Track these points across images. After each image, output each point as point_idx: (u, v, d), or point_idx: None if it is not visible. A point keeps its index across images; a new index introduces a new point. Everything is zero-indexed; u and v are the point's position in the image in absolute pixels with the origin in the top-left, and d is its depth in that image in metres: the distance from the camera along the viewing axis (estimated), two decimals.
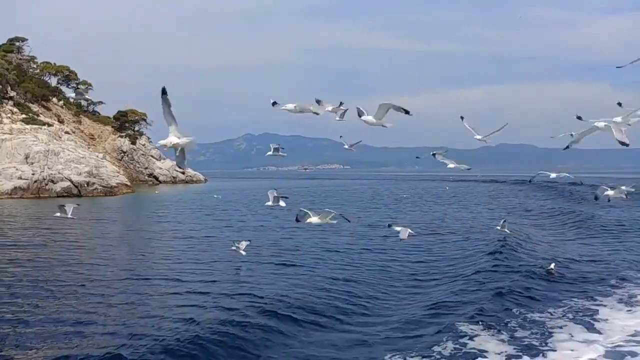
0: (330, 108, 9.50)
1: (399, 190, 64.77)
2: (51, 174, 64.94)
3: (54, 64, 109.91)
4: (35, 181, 63.50)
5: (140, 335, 11.03)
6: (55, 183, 64.64)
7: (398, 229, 14.99)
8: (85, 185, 65.73)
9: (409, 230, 14.82)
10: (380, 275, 17.28)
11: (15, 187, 61.76)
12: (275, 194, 13.66)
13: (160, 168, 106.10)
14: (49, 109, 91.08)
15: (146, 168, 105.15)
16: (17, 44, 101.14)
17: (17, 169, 64.77)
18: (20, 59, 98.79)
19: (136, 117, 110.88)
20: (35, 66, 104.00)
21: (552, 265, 16.89)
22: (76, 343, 10.91)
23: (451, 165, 13.58)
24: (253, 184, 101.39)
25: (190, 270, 18.26)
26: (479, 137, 10.80)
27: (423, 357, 10.26)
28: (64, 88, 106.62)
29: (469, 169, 14.18)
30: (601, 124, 8.77)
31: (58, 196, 62.32)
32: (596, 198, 12.85)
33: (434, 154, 13.83)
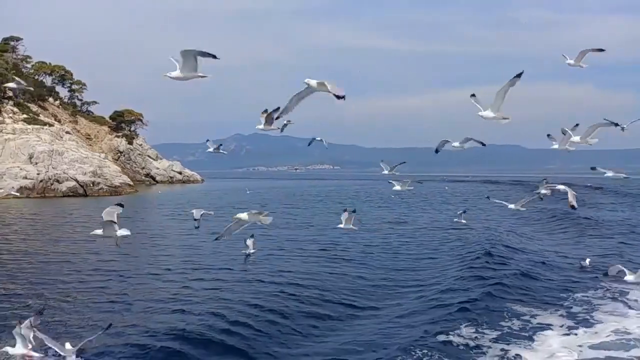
0: (262, 126, 8.70)
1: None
2: (56, 173, 65.94)
3: (49, 63, 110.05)
4: (41, 181, 64.46)
5: (218, 315, 12.68)
6: (60, 183, 65.63)
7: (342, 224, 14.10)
8: (91, 185, 66.79)
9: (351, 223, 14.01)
10: (430, 262, 19.41)
11: (21, 187, 62.57)
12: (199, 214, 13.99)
13: (157, 168, 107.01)
14: (45, 109, 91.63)
15: (143, 168, 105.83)
16: (12, 43, 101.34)
17: (21, 169, 65.64)
18: (15, 58, 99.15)
19: (132, 117, 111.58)
20: (29, 66, 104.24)
21: (587, 261, 18.69)
22: (172, 319, 12.59)
23: (397, 188, 15.12)
24: (251, 184, 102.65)
25: (240, 261, 19.89)
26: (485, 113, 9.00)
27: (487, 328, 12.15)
28: (59, 88, 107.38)
29: (411, 189, 15.65)
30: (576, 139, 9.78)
31: (64, 196, 63.39)
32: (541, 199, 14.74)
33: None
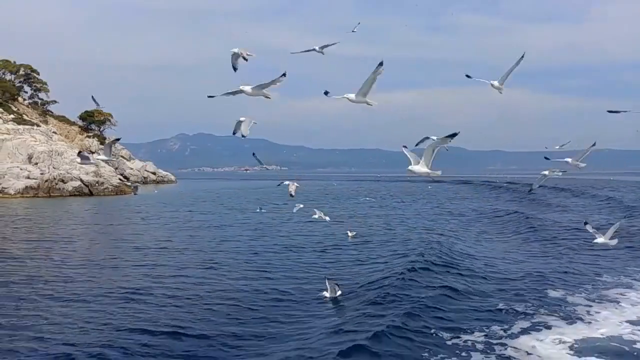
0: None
1: (384, 190, 74.79)
2: (60, 173, 70.04)
3: (14, 62, 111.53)
4: (46, 180, 68.41)
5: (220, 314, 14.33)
6: (65, 182, 69.85)
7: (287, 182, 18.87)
8: (96, 184, 71.38)
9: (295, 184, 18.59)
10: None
11: (26, 187, 66.43)
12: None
13: (131, 169, 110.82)
14: (17, 109, 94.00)
15: (116, 169, 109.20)
16: None
17: (22, 169, 69.31)
18: None
19: (102, 118, 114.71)
20: None
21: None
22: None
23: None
24: (222, 184, 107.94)
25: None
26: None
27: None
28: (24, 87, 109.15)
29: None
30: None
31: (70, 195, 67.53)
32: None
33: None
